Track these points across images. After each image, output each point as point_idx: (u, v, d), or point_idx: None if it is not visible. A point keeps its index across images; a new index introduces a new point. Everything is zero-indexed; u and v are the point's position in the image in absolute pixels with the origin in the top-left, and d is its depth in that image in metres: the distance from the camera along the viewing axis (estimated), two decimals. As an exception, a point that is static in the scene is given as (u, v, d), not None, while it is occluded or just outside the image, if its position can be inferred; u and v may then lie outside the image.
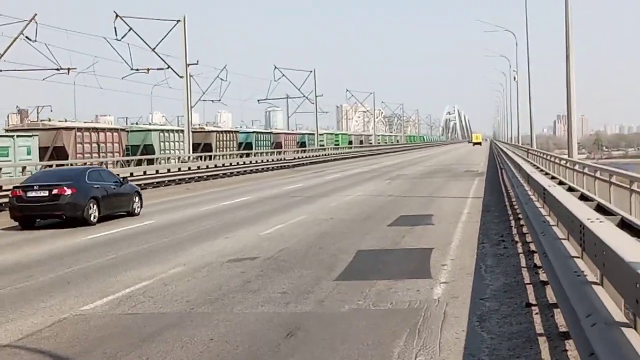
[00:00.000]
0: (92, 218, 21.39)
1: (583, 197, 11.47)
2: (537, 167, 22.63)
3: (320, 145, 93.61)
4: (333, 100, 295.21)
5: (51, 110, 62.86)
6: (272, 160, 64.92)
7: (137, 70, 53.70)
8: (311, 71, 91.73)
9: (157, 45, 52.98)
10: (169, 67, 54.30)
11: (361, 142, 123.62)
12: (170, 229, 19.37)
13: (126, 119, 68.50)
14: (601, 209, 9.80)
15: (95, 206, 21.56)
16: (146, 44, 52.46)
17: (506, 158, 40.44)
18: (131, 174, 39.28)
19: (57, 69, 49.62)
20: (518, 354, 7.18)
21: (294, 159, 71.07)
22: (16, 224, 21.61)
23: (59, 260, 14.56)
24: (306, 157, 76.32)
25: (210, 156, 56.90)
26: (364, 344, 7.73)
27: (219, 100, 70.46)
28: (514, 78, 67.97)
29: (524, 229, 15.50)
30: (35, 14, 42.98)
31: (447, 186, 33.07)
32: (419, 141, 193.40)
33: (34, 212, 21.21)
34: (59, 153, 44.43)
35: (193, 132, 60.64)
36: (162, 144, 56.21)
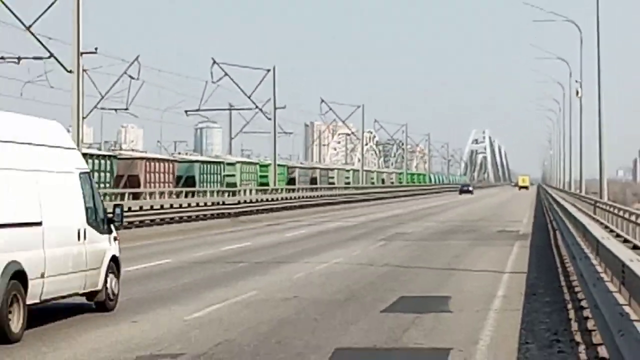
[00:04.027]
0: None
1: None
2: (611, 231, 19.38)
3: (230, 183, 60.01)
4: (302, 116, 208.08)
5: None
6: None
7: (2, 58, 41.71)
8: (269, 70, 62.34)
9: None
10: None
11: (313, 179, 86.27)
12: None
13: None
14: None
15: None
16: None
17: (562, 214, 32.31)
18: None
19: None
20: None
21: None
22: None
23: None
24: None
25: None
26: None
27: (126, 109, 50.96)
28: (577, 93, 48.84)
29: (590, 324, 12.97)
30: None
31: (471, 253, 26.62)
32: (426, 182, 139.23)
33: None
34: None
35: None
36: None
